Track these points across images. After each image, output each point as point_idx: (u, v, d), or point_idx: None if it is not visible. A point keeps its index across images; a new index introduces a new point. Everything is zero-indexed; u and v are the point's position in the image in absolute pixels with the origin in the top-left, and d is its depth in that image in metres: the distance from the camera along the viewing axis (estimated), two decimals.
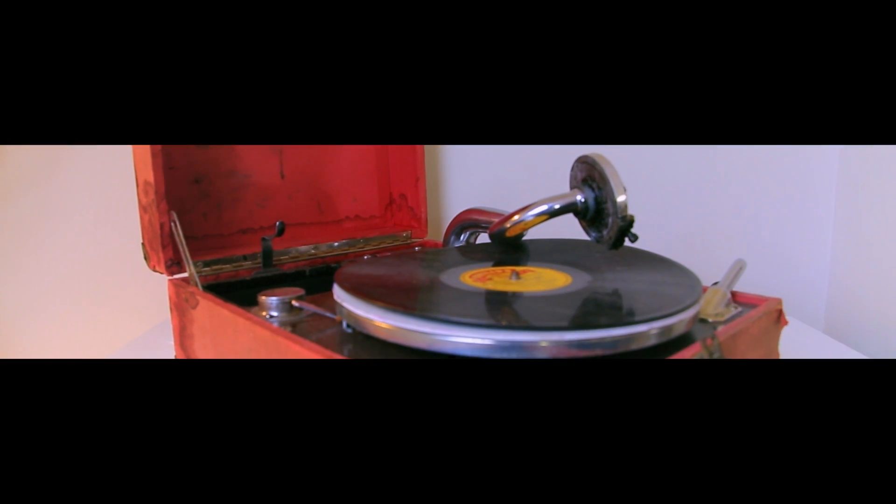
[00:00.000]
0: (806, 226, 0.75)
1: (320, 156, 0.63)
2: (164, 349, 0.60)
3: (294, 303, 0.39)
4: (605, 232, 0.41)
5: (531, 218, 0.41)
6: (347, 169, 0.66)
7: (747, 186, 0.75)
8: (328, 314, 0.38)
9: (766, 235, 0.75)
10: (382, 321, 0.33)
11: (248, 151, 0.58)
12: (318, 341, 0.34)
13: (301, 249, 0.57)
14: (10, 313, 0.74)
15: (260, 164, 0.59)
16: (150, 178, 0.47)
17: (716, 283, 0.44)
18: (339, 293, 0.36)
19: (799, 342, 0.61)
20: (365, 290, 0.35)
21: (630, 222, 0.39)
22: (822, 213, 0.74)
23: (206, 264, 0.50)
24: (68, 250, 0.73)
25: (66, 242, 0.73)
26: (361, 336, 0.36)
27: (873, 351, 0.66)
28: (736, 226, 0.75)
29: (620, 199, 0.39)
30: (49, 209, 0.72)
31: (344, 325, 0.36)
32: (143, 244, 0.51)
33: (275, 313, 0.40)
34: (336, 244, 0.59)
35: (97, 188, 0.72)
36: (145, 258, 0.51)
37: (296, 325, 0.38)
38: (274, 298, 0.39)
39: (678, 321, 0.34)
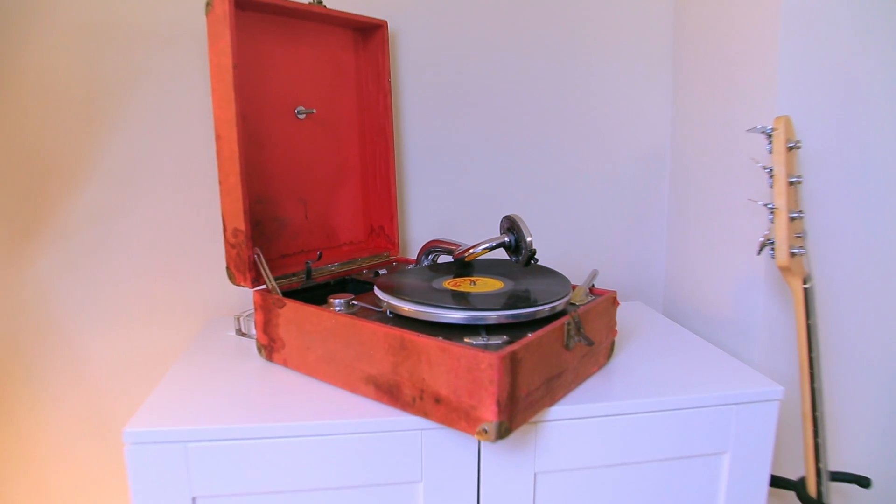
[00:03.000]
0: (648, 240, 1.11)
1: (328, 202, 0.92)
2: (227, 339, 0.87)
3: (353, 301, 0.69)
4: (520, 257, 0.73)
5: (480, 251, 0.74)
6: (344, 210, 0.95)
7: (607, 219, 1.10)
8: (374, 308, 0.68)
9: (625, 247, 1.11)
10: (412, 308, 0.64)
11: (286, 203, 0.86)
12: (376, 320, 0.64)
13: (324, 268, 0.86)
14: (86, 320, 0.98)
15: (293, 212, 0.87)
16: (241, 226, 0.75)
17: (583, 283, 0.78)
18: (382, 294, 0.67)
19: (644, 319, 0.97)
20: (398, 293, 0.66)
21: (534, 252, 0.72)
22: (658, 231, 1.11)
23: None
24: (133, 269, 0.98)
25: (133, 263, 0.97)
26: (397, 317, 0.67)
27: (694, 325, 1.03)
28: (601, 243, 1.11)
29: (529, 239, 0.71)
30: (116, 237, 0.97)
31: (388, 312, 0.67)
32: (227, 268, 0.79)
33: (339, 308, 0.69)
34: (340, 263, 0.89)
35: (160, 221, 0.97)
36: (230, 278, 0.79)
37: (356, 314, 0.68)
38: (339, 300, 0.69)
39: (559, 304, 0.67)
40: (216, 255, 0.99)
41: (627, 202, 1.10)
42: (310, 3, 0.83)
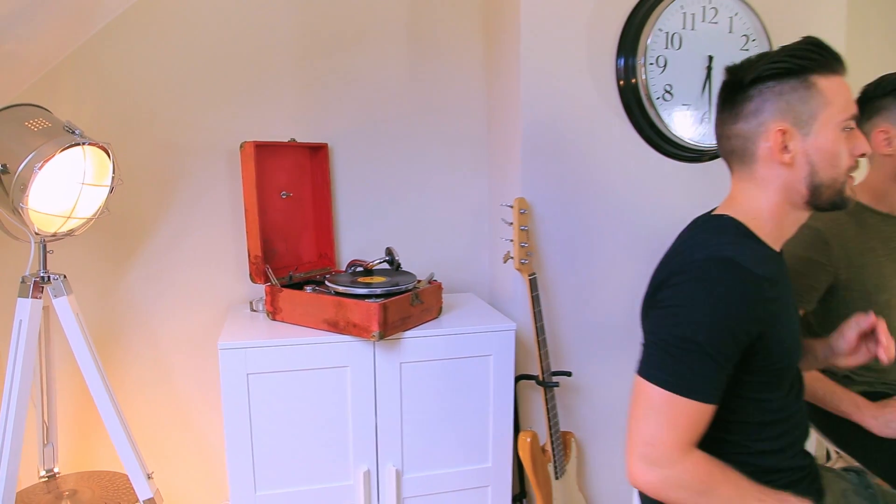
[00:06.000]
0: (479, 257, 1.97)
1: (297, 241, 1.72)
2: (245, 313, 1.66)
3: (317, 288, 1.49)
4: (394, 265, 1.56)
5: (375, 264, 1.56)
6: (305, 245, 1.75)
7: (454, 245, 1.94)
8: (326, 291, 1.50)
9: (465, 262, 1.96)
10: (344, 289, 1.46)
11: (276, 242, 1.65)
12: (328, 294, 1.46)
13: (297, 275, 1.66)
14: (157, 309, 1.73)
15: (279, 246, 1.67)
16: (259, 253, 1.55)
17: (428, 278, 1.62)
18: (330, 284, 1.48)
19: (468, 301, 1.81)
20: (338, 283, 1.48)
21: (399, 264, 1.55)
22: (484, 252, 1.97)
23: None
24: (184, 278, 1.74)
25: (184, 274, 1.74)
26: (336, 293, 1.48)
27: (496, 302, 1.89)
28: (450, 260, 1.95)
29: (397, 258, 1.55)
30: (176, 260, 1.73)
31: (333, 292, 1.48)
32: (250, 274, 1.57)
33: (310, 290, 1.49)
34: (305, 272, 1.69)
35: (200, 251, 1.74)
36: (251, 279, 1.57)
37: (319, 293, 1.48)
38: (310, 287, 1.49)
39: (409, 286, 1.50)
40: (233, 269, 1.77)
41: (466, 235, 1.95)
42: (288, 141, 1.65)
